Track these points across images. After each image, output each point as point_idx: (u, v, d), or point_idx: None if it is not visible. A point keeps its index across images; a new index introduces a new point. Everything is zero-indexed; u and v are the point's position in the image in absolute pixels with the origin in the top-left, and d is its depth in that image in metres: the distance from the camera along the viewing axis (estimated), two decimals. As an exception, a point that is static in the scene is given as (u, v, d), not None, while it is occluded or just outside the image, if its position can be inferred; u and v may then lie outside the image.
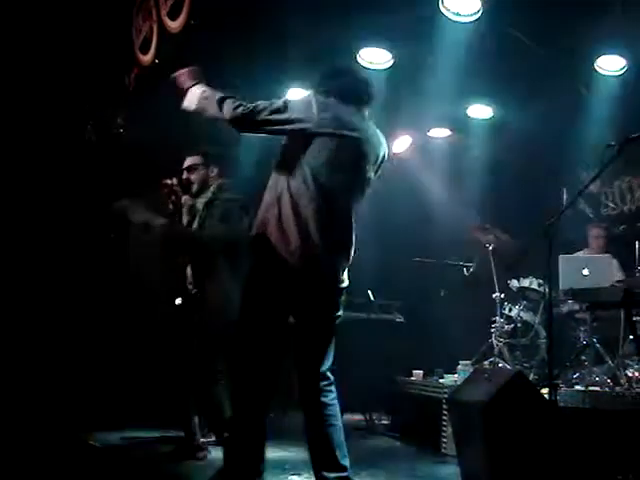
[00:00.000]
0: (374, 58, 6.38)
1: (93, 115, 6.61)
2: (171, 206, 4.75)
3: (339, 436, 3.33)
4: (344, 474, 3.28)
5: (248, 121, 3.32)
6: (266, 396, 3.37)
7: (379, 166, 3.59)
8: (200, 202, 4.72)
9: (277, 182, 3.35)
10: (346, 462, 3.31)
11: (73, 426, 5.72)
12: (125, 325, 6.94)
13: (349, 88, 3.55)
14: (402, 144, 7.90)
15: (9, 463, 4.38)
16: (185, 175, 4.77)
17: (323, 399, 3.34)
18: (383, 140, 3.63)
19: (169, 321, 4.90)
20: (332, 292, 3.42)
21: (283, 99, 3.41)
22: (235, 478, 3.27)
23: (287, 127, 3.33)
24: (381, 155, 3.58)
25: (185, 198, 4.75)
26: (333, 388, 3.39)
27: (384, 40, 6.18)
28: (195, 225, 4.66)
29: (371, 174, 3.53)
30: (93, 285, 7.03)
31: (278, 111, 3.31)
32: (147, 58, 6.15)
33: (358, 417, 6.72)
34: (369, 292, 6.77)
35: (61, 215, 6.81)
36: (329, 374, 3.40)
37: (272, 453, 5.08)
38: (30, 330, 6.56)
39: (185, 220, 4.75)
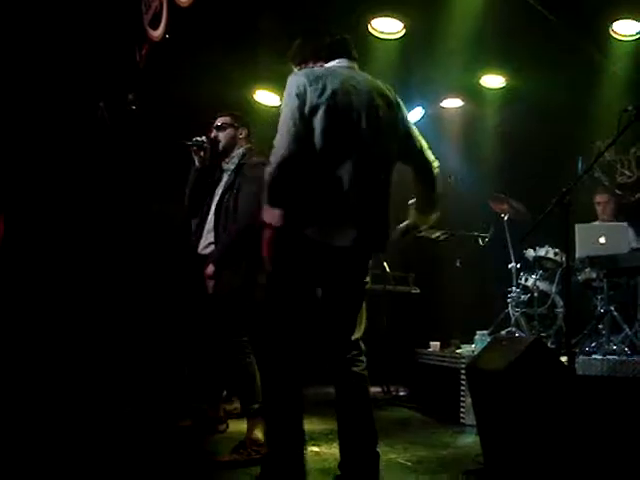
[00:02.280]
0: (386, 28, 6.34)
1: (105, 93, 6.59)
2: (197, 163, 4.71)
3: (370, 407, 3.28)
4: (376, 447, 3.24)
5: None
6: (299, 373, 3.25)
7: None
8: (229, 167, 4.67)
9: None
10: (376, 435, 3.26)
11: (97, 401, 5.79)
12: (151, 298, 6.98)
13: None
14: (414, 115, 7.85)
15: (39, 437, 4.44)
16: (214, 133, 4.72)
17: (355, 369, 3.29)
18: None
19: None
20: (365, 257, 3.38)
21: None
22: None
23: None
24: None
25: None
26: (364, 358, 3.34)
27: (396, 9, 6.12)
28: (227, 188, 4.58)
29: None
30: (115, 267, 7.07)
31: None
32: (157, 33, 6.09)
33: (376, 389, 6.74)
34: (384, 264, 6.76)
35: (76, 194, 6.83)
36: (361, 343, 3.35)
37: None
38: (59, 308, 6.63)
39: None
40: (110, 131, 6.55)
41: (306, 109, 3.15)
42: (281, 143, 3.10)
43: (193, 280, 4.66)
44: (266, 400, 3.28)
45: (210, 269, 4.40)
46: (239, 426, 4.63)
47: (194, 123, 5.45)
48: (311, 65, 3.45)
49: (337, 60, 3.44)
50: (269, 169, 3.10)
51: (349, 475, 3.19)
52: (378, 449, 3.23)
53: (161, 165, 6.33)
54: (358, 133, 3.27)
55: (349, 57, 3.48)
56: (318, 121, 3.16)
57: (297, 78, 3.24)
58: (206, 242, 4.66)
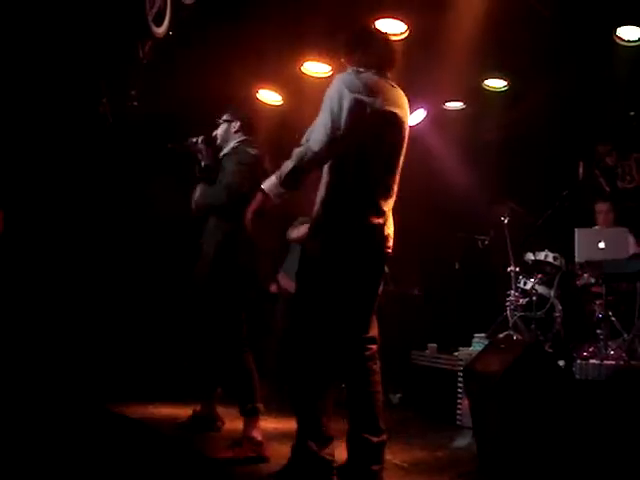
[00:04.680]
0: (389, 28, 6.30)
1: (107, 89, 6.60)
2: (203, 161, 4.74)
3: (381, 402, 3.47)
4: (385, 437, 3.43)
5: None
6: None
7: None
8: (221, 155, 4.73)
9: None
10: (384, 425, 3.45)
11: (95, 397, 5.78)
12: (147, 297, 7.01)
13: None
14: (417, 117, 7.83)
15: (36, 434, 4.44)
16: (214, 132, 4.79)
17: (371, 365, 3.47)
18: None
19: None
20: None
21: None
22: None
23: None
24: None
25: None
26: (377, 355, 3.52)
27: (400, 10, 6.10)
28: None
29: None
30: (114, 262, 7.08)
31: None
32: (161, 30, 6.10)
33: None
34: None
35: (77, 189, 6.85)
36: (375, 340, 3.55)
37: (279, 425, 5.15)
38: (58, 303, 6.64)
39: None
40: (112, 127, 6.57)
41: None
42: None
43: (194, 275, 4.69)
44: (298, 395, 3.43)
45: None
46: (235, 424, 4.64)
47: (196, 120, 5.48)
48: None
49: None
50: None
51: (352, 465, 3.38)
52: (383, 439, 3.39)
53: (163, 161, 6.34)
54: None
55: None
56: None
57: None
58: None
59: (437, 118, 7.92)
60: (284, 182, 3.37)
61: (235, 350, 4.42)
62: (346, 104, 3.32)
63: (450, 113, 8.02)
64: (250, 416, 4.29)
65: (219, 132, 4.75)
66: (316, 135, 3.34)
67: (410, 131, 3.73)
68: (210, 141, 4.74)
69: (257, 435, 4.20)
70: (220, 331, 4.47)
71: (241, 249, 4.41)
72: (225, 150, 4.70)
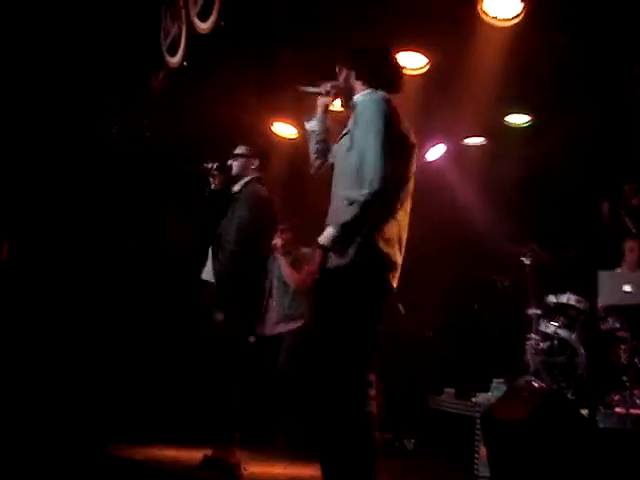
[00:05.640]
0: (410, 62, 6.23)
1: (119, 117, 6.66)
2: (212, 185, 5.04)
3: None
4: None
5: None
6: None
7: None
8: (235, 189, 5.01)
9: None
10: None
11: (96, 438, 5.66)
12: (151, 336, 6.96)
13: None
14: (436, 152, 7.73)
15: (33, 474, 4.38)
16: (230, 161, 5.03)
17: (370, 408, 3.29)
18: None
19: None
20: None
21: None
22: None
23: None
24: None
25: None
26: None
27: (420, 44, 6.03)
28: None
29: None
30: (120, 296, 7.05)
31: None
32: (175, 60, 6.14)
33: (387, 435, 6.53)
34: (399, 306, 6.60)
35: (86, 215, 6.85)
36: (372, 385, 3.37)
37: (287, 470, 5.14)
38: (61, 339, 6.62)
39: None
40: (121, 154, 6.61)
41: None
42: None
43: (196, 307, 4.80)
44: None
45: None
46: (257, 467, 4.90)
47: (208, 150, 5.52)
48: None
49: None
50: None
51: None
52: None
53: (172, 189, 6.36)
54: None
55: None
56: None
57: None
58: (209, 268, 4.94)
59: (457, 154, 7.84)
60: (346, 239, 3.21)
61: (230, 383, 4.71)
62: (388, 127, 3.25)
63: (470, 149, 7.92)
64: (231, 442, 4.64)
65: (236, 164, 4.99)
66: (377, 170, 3.16)
67: (430, 167, 3.61)
68: (223, 168, 5.00)
69: (234, 459, 4.61)
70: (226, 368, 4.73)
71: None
72: (239, 184, 4.98)
